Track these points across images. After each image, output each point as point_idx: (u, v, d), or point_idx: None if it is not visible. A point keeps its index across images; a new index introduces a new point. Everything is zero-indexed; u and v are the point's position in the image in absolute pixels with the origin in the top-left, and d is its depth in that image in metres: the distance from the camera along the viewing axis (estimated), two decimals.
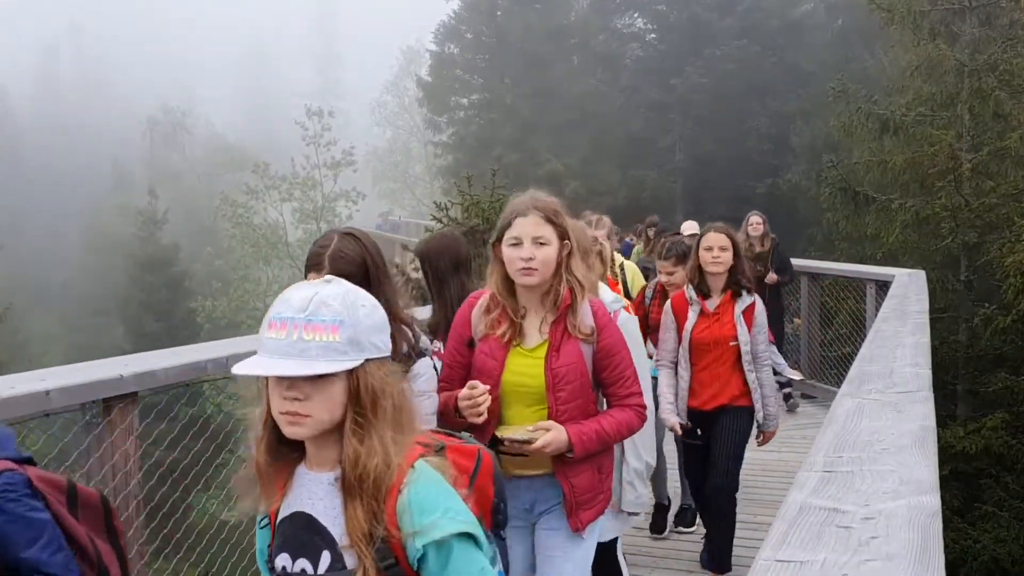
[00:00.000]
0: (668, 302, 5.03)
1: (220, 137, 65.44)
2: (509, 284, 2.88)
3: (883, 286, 8.57)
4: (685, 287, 4.93)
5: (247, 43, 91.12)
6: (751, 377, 4.79)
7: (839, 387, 3.38)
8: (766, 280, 8.98)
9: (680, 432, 4.95)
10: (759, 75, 25.25)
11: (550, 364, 2.85)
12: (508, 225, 2.85)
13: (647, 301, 5.75)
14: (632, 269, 6.79)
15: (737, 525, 5.40)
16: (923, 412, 2.74)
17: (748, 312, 4.83)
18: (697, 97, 25.51)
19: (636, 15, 30.16)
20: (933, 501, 1.87)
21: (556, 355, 2.86)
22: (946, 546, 1.62)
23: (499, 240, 2.87)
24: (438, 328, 3.46)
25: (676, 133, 26.38)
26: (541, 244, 2.79)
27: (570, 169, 27.14)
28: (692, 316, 4.84)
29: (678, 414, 4.95)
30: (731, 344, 4.78)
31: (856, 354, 4.18)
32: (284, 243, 34.34)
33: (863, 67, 20.87)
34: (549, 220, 2.83)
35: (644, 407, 2.97)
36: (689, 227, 9.11)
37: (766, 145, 24.77)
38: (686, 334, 4.83)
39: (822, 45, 25.18)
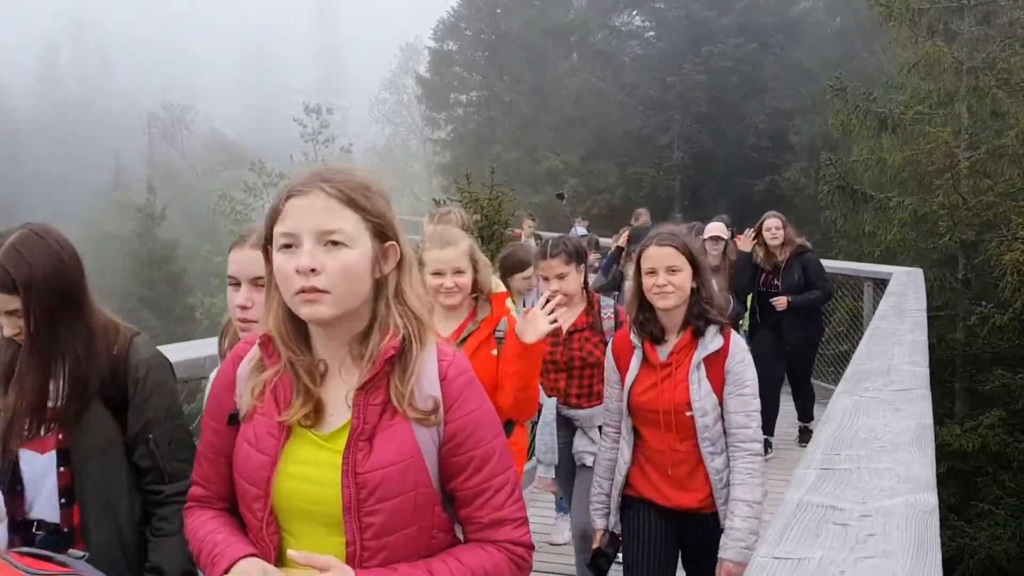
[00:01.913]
0: (610, 345, 3.47)
1: (219, 134, 65.44)
2: (297, 317, 1.64)
3: (881, 284, 8.59)
4: (630, 328, 3.33)
5: (247, 40, 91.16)
6: (712, 465, 3.16)
7: (836, 385, 3.38)
8: (775, 306, 7.24)
9: (594, 549, 3.42)
10: (758, 72, 25.29)
11: (352, 465, 1.61)
12: (277, 213, 1.62)
13: None
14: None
15: None
16: (921, 410, 2.75)
17: (715, 361, 3.17)
18: (696, 95, 25.55)
19: (635, 13, 30.21)
20: (930, 499, 1.87)
21: (366, 449, 1.62)
22: (943, 543, 1.62)
23: (269, 241, 1.64)
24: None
25: (675, 131, 26.41)
26: (334, 244, 1.57)
27: (569, 166, 27.21)
28: (634, 366, 3.28)
29: (609, 512, 3.41)
30: (687, 414, 3.16)
31: (854, 352, 4.16)
32: None
33: (862, 64, 20.90)
34: (350, 202, 1.61)
35: (527, 548, 1.73)
36: (714, 229, 7.34)
37: (765, 142, 24.81)
38: (625, 393, 3.30)
39: (821, 42, 25.21)
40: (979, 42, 12.63)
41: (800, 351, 7.47)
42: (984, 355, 11.72)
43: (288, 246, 1.58)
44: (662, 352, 3.23)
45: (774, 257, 7.32)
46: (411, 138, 58.10)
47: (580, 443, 4.09)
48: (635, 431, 3.31)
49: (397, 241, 1.67)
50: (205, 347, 4.30)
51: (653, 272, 3.15)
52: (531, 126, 29.46)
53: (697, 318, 3.18)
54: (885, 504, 1.84)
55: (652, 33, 29.82)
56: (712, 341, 3.17)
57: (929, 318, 5.78)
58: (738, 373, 3.16)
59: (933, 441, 2.43)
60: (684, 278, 3.14)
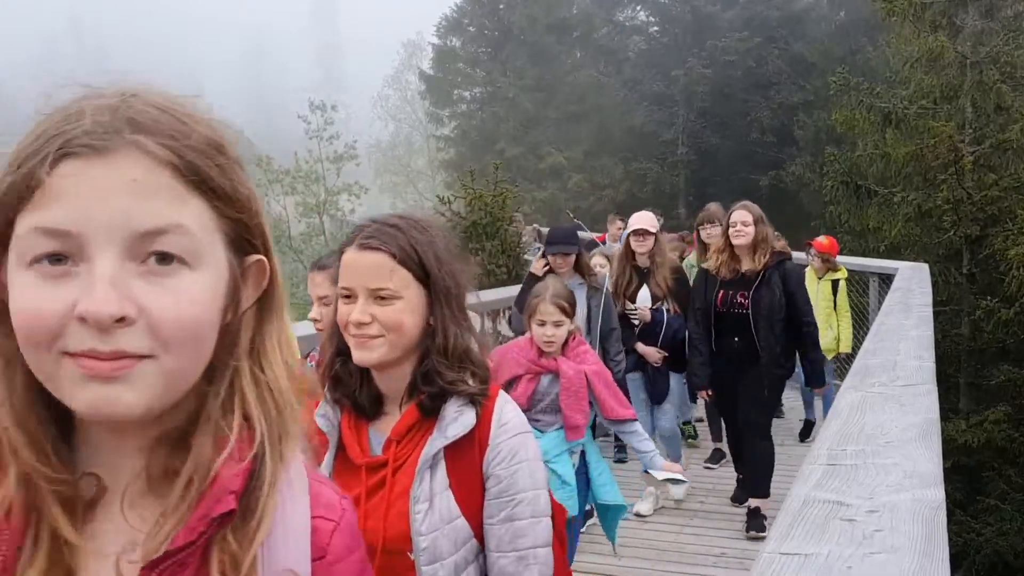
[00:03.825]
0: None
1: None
2: (51, 398, 0.77)
3: (886, 279, 8.59)
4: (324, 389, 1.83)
5: (250, 37, 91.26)
6: None
7: (842, 380, 3.38)
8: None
9: None
10: (762, 67, 25.23)
11: None
12: (33, 190, 0.77)
13: None
14: None
15: (741, 518, 5.43)
16: (927, 405, 2.75)
17: (464, 457, 1.66)
18: (700, 89, 25.51)
19: (638, 8, 30.19)
20: (937, 494, 1.87)
21: None
22: (949, 539, 1.62)
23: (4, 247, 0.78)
24: None
25: (679, 126, 26.36)
26: (161, 261, 0.75)
27: (573, 162, 27.20)
28: (327, 462, 1.72)
29: None
30: (409, 555, 1.60)
31: (860, 347, 4.15)
32: (287, 237, 34.39)
33: (866, 59, 20.85)
34: (190, 172, 0.79)
35: None
36: (639, 220, 5.89)
37: (769, 137, 24.76)
38: None
39: (825, 36, 25.14)
40: (982, 36, 12.61)
41: (772, 388, 5.39)
42: (989, 350, 11.72)
43: (57, 257, 0.73)
44: (375, 438, 1.72)
45: (738, 264, 5.24)
46: (414, 134, 58.04)
47: None
48: None
49: (267, 253, 0.87)
50: None
51: (348, 296, 1.67)
52: (534, 122, 29.45)
53: (426, 383, 1.65)
54: (892, 500, 1.84)
55: (656, 28, 29.77)
56: (454, 422, 1.64)
57: (934, 313, 5.77)
58: (504, 478, 1.65)
59: (939, 436, 2.43)
60: (403, 312, 1.63)
